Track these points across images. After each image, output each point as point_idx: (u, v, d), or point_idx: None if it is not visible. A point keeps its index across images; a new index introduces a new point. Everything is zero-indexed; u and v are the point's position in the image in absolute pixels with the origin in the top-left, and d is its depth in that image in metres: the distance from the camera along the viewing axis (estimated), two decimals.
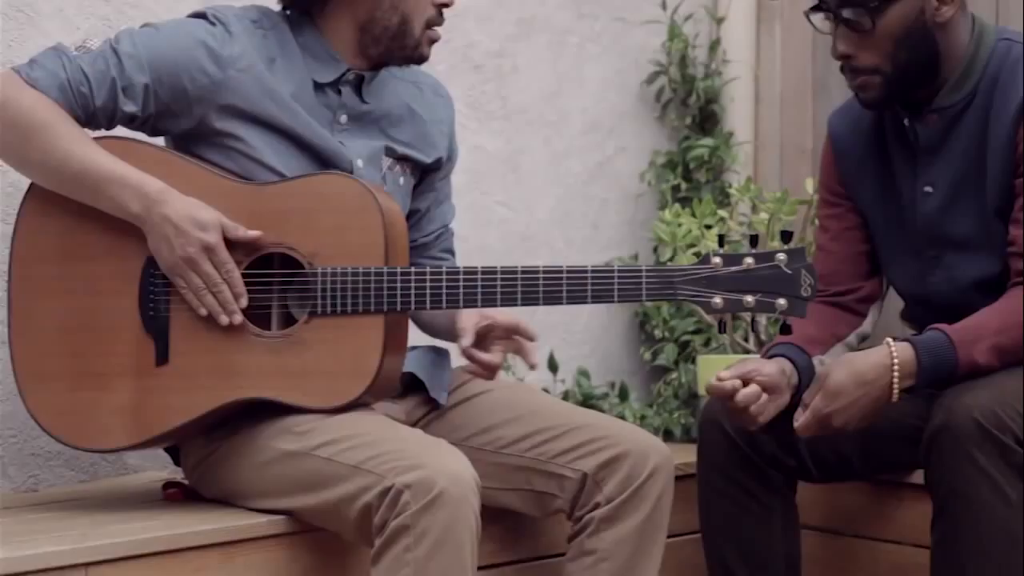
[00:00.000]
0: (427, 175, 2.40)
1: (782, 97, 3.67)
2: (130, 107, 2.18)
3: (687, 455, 2.61)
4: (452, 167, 2.45)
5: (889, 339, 2.26)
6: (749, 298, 2.10)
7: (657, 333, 3.49)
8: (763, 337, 3.19)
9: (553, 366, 3.43)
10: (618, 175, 3.61)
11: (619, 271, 2.12)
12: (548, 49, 3.48)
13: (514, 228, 3.40)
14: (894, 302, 2.63)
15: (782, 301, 2.10)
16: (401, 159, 2.33)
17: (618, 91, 3.61)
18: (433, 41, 2.29)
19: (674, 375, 3.43)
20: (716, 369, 3.18)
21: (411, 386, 2.33)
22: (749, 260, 2.10)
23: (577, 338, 3.54)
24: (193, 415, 2.17)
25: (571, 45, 3.52)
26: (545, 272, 2.12)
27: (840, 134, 2.52)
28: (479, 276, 2.14)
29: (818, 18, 2.39)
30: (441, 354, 2.37)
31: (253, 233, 2.15)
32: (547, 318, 3.47)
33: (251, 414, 2.19)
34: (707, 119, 3.66)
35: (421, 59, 2.30)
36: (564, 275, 2.13)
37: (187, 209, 2.12)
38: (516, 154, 3.43)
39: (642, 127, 3.65)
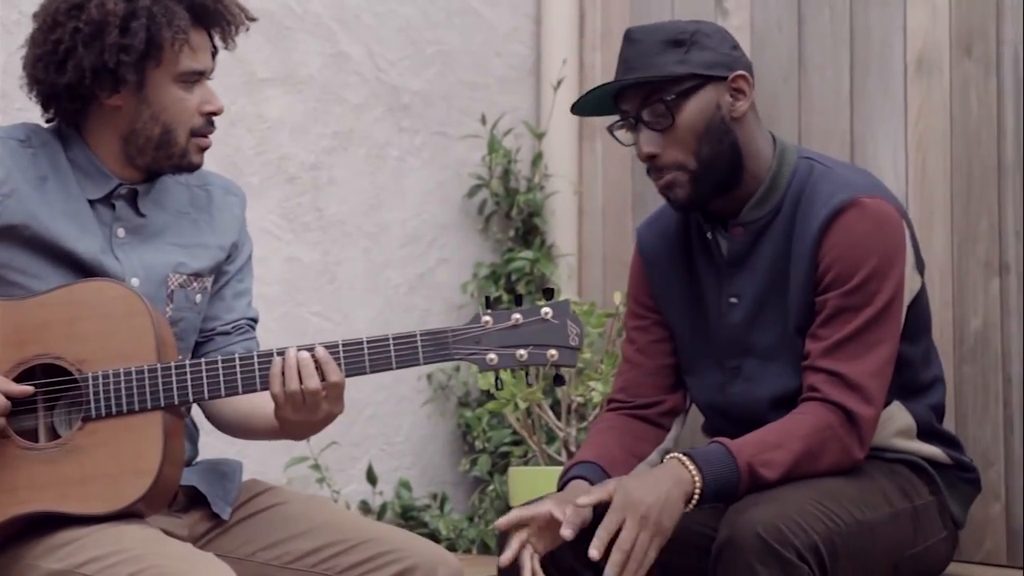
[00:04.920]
0: (222, 270, 2.37)
1: (604, 211, 3.74)
2: None
3: None
4: (244, 261, 2.41)
5: (674, 453, 2.28)
6: (522, 352, 2.15)
7: (477, 444, 3.49)
8: (572, 448, 3.20)
9: (372, 478, 3.41)
10: (440, 286, 3.63)
11: (394, 338, 2.14)
12: (366, 162, 3.50)
13: (331, 338, 3.38)
14: (697, 416, 2.65)
15: (553, 352, 2.15)
16: (196, 276, 2.30)
17: (440, 203, 3.64)
18: (203, 148, 2.28)
19: (492, 486, 3.42)
20: (527, 481, 3.21)
21: (194, 500, 2.28)
22: (517, 316, 2.15)
23: (398, 449, 3.53)
24: None
25: (391, 158, 3.55)
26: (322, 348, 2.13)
27: (648, 244, 2.56)
28: (255, 360, 2.14)
29: (621, 133, 2.47)
30: (229, 466, 2.34)
31: (23, 388, 2.11)
32: (367, 428, 3.46)
33: (16, 534, 2.13)
34: (529, 232, 3.71)
35: (191, 166, 2.28)
36: (340, 348, 2.14)
37: None
38: (333, 265, 3.43)
39: (464, 239, 3.69)
